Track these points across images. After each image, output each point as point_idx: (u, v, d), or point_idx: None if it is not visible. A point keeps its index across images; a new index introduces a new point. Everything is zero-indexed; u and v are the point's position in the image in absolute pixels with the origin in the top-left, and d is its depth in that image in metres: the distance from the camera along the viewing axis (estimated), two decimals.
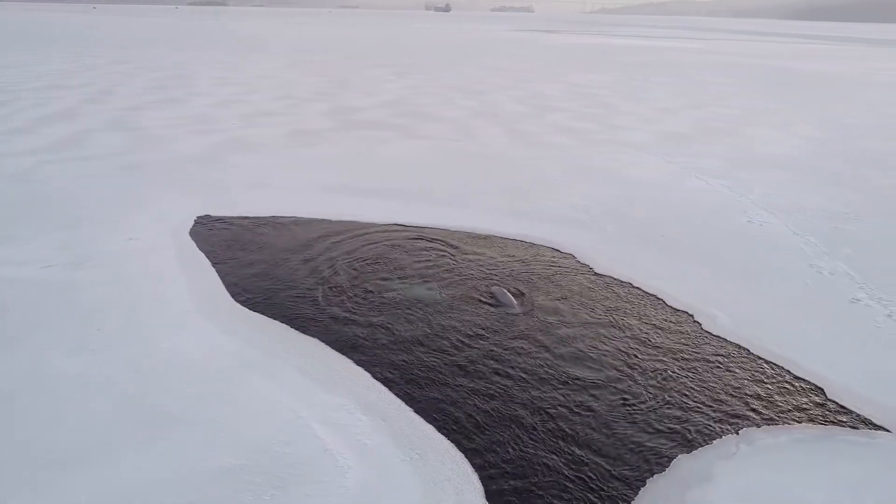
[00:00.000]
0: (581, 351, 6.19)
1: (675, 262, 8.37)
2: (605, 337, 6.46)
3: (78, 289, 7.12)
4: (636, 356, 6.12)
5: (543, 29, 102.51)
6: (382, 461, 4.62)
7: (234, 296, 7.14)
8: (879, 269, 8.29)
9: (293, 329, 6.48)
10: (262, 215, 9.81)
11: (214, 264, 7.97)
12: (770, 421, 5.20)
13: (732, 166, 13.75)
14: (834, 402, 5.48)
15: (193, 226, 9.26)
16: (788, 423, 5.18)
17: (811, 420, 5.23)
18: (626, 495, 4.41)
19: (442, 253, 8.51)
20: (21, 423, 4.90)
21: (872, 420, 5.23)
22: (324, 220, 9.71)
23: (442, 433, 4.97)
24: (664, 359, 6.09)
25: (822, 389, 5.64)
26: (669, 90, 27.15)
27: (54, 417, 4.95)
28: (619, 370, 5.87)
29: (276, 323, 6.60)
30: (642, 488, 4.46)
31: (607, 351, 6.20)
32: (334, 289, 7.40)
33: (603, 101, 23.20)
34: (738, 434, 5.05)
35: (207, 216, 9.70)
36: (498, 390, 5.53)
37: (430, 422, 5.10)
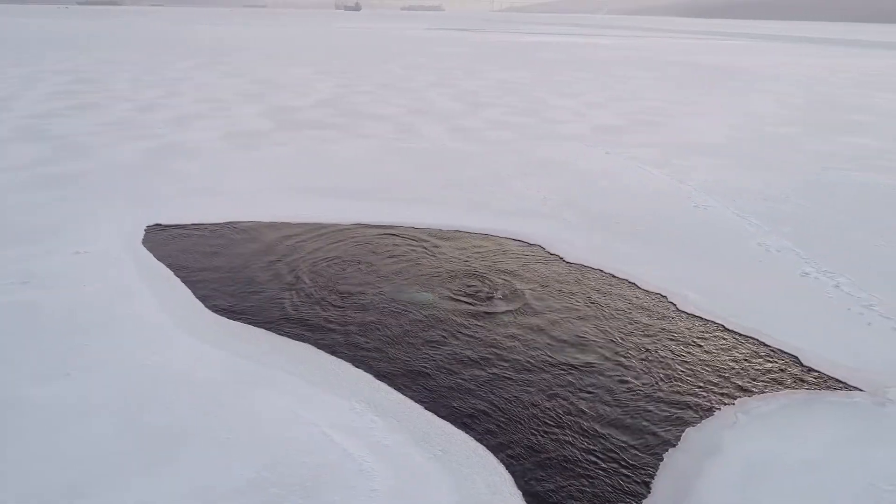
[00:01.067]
0: (574, 336, 6.35)
1: (638, 248, 8.72)
2: (593, 321, 6.65)
3: (34, 310, 6.59)
4: (624, 338, 6.34)
5: (457, 27, 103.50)
6: (406, 461, 4.57)
7: (210, 306, 6.83)
8: (818, 244, 8.96)
9: (280, 335, 6.28)
10: (218, 221, 9.41)
11: (180, 275, 7.58)
12: (759, 390, 5.53)
13: (668, 155, 14.44)
14: (809, 368, 5.89)
15: (146, 236, 8.76)
16: (775, 391, 5.53)
17: (794, 386, 5.60)
18: (648, 466, 4.58)
19: (414, 250, 8.47)
20: (12, 460, 4.49)
21: (847, 382, 5.67)
22: (285, 222, 9.44)
23: (458, 427, 4.97)
24: (651, 339, 6.34)
25: (797, 357, 6.05)
26: (592, 85, 28.12)
27: (48, 450, 4.58)
28: (611, 352, 6.07)
29: (261, 331, 6.38)
30: (661, 462, 4.65)
31: (597, 335, 6.39)
32: (313, 291, 7.22)
33: (532, 97, 23.73)
34: (734, 404, 5.34)
35: (158, 225, 9.20)
36: (501, 379, 5.59)
37: (443, 417, 5.09)
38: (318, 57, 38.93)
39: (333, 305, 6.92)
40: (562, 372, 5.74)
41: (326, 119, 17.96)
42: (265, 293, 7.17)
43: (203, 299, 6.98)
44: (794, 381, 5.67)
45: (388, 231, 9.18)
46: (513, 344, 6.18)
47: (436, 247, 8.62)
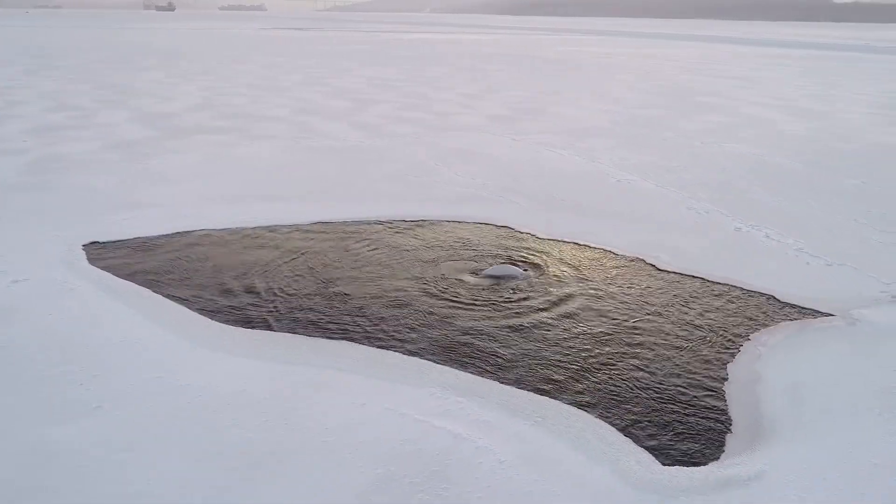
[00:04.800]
0: (595, 301, 6.78)
1: (593, 221, 9.41)
2: (603, 288, 7.14)
3: (3, 348, 5.68)
4: (636, 297, 6.90)
5: (289, 27, 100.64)
6: (513, 431, 4.68)
7: (213, 318, 6.33)
8: (732, 204, 10.27)
9: (308, 337, 6.03)
10: (163, 234, 8.62)
11: (158, 291, 6.90)
12: (763, 325, 6.35)
13: (567, 138, 15.52)
14: (786, 303, 6.85)
15: (88, 255, 7.81)
16: (775, 325, 6.38)
17: (787, 319, 6.50)
18: (713, 400, 5.11)
19: (396, 239, 8.43)
20: None
21: (820, 310, 6.68)
22: (240, 228, 8.89)
23: (540, 395, 5.17)
24: (655, 295, 6.97)
25: (774, 296, 7.01)
26: (459, 79, 29.06)
27: (121, 497, 4.08)
28: (630, 312, 6.59)
29: (284, 335, 6.06)
30: (722, 394, 5.22)
31: (615, 297, 6.89)
32: (311, 290, 6.96)
33: (411, 92, 24.05)
34: (750, 340, 6.09)
35: (96, 243, 8.23)
36: (548, 348, 5.85)
37: (521, 388, 5.26)
38: (160, 60, 36.02)
39: (342, 300, 6.73)
40: (596, 334, 6.14)
41: (211, 123, 16.87)
42: (267, 299, 6.78)
43: (202, 313, 6.45)
44: (783, 315, 6.57)
45: (353, 227, 9.02)
46: (544, 314, 6.48)
47: (417, 236, 8.64)
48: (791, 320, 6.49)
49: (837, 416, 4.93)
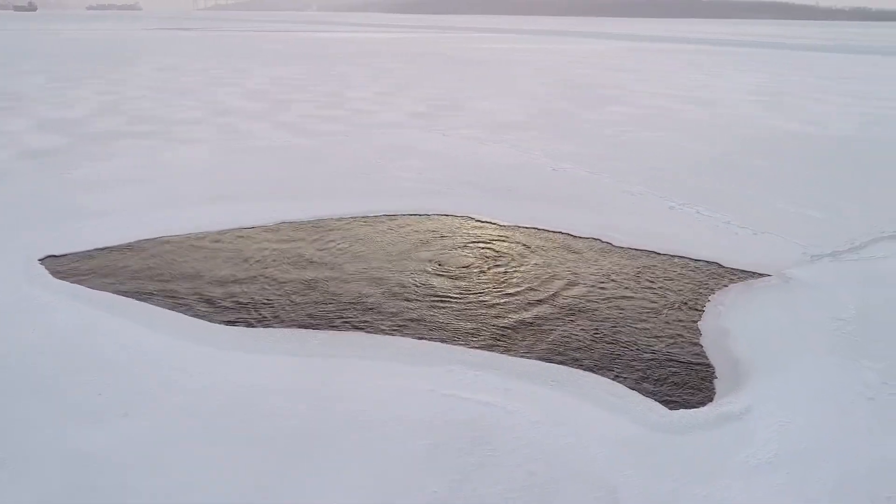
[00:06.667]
0: (571, 275, 7.37)
1: (545, 208, 10.05)
2: (575, 266, 7.76)
3: None
4: (605, 274, 7.58)
5: (172, 27, 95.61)
6: (536, 396, 5.15)
7: (213, 320, 6.33)
8: (660, 186, 11.31)
9: (315, 330, 6.19)
10: (124, 242, 8.34)
11: (141, 300, 6.76)
12: (718, 288, 7.22)
13: (493, 132, 16.20)
14: (731, 268, 7.79)
15: (51, 270, 7.45)
16: (726, 287, 7.27)
17: (735, 281, 7.42)
18: (691, 352, 5.84)
19: (371, 235, 8.65)
20: None
21: (759, 272, 7.66)
22: (204, 232, 8.76)
23: (548, 362, 5.67)
24: (621, 269, 7.69)
25: (719, 263, 7.94)
26: (367, 77, 29.16)
27: (175, 489, 4.16)
28: (605, 285, 7.25)
29: (291, 330, 6.19)
30: (699, 348, 5.96)
31: (591, 272, 7.53)
32: (307, 287, 7.09)
33: (324, 91, 23.92)
34: (710, 300, 6.92)
35: (52, 257, 7.85)
36: (548, 320, 6.38)
37: (530, 358, 5.73)
38: (37, 65, 33.32)
39: (334, 295, 6.91)
40: (583, 307, 6.74)
41: (128, 128, 16.08)
42: (251, 299, 6.82)
43: (202, 316, 6.42)
44: (730, 279, 7.49)
45: (321, 224, 9.14)
46: (537, 290, 7.01)
47: (390, 229, 8.91)
48: (738, 281, 7.42)
49: (796, 355, 5.81)
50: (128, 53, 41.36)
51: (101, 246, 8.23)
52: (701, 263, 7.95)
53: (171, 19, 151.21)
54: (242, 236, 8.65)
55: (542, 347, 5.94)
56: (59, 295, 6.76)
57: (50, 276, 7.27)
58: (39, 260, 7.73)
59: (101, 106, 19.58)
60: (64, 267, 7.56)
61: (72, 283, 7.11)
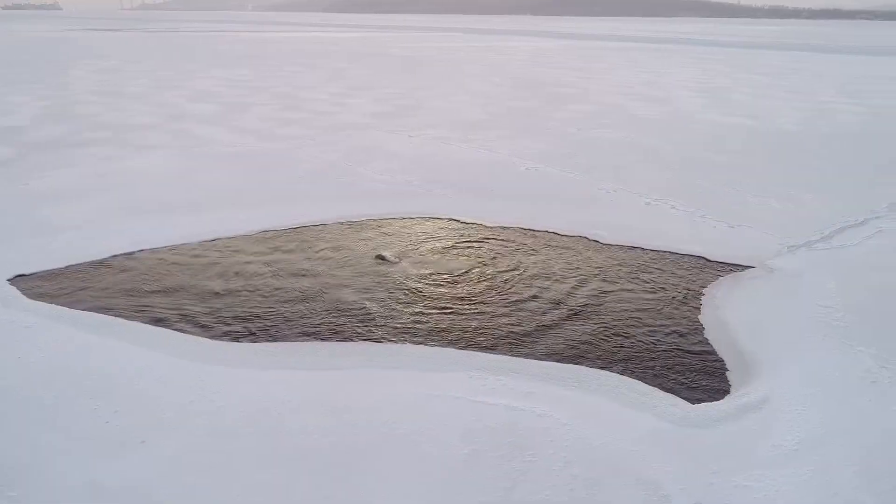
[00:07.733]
0: (567, 272, 7.44)
1: (527, 207, 10.11)
2: (570, 266, 7.83)
3: None
4: (601, 273, 7.68)
5: (104, 28, 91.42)
6: (562, 397, 5.17)
7: (209, 338, 6.08)
8: (632, 183, 11.56)
9: (322, 342, 6.04)
10: (96, 259, 7.90)
11: (129, 318, 6.42)
12: (709, 281, 7.43)
13: (459, 132, 16.20)
14: (716, 261, 8.04)
15: (24, 291, 6.98)
16: (716, 279, 7.50)
17: (722, 274, 7.65)
18: (694, 342, 6.00)
19: (358, 241, 8.49)
20: None
21: (742, 264, 7.94)
22: (180, 245, 8.39)
23: (565, 362, 5.70)
24: (614, 266, 7.81)
25: (704, 257, 8.17)
26: (318, 77, 28.68)
27: None
28: (601, 284, 7.35)
29: (297, 344, 6.01)
30: (702, 337, 6.12)
31: (585, 269, 7.61)
32: (301, 298, 6.90)
33: (279, 92, 23.38)
34: (703, 293, 7.12)
35: (22, 276, 7.37)
36: (557, 323, 6.41)
37: (544, 360, 5.75)
38: None
39: (332, 304, 6.76)
40: (585, 307, 6.81)
41: (78, 136, 15.27)
42: (248, 313, 6.60)
43: (198, 333, 6.14)
44: (718, 272, 7.73)
45: (304, 231, 8.92)
46: (537, 290, 7.04)
47: (379, 234, 8.76)
48: (726, 274, 7.66)
49: (795, 344, 6.04)
50: (61, 56, 39.30)
51: (72, 262, 7.78)
52: (687, 258, 8.17)
53: (97, 20, 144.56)
54: (221, 248, 8.35)
55: (554, 348, 5.97)
56: (40, 317, 6.34)
57: (25, 297, 6.82)
58: (9, 280, 7.24)
59: (46, 112, 18.53)
60: (37, 287, 7.11)
61: (50, 303, 6.68)
